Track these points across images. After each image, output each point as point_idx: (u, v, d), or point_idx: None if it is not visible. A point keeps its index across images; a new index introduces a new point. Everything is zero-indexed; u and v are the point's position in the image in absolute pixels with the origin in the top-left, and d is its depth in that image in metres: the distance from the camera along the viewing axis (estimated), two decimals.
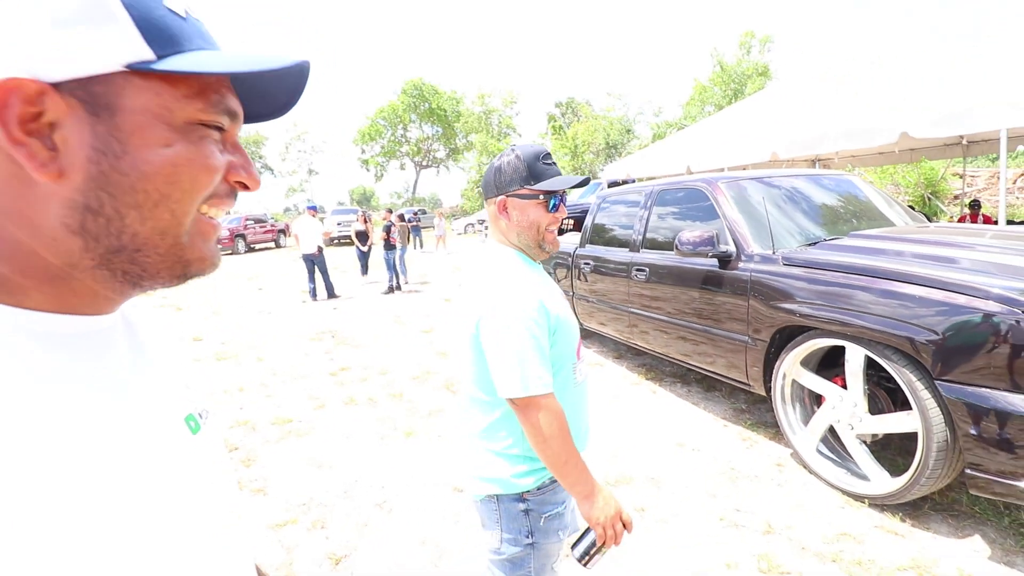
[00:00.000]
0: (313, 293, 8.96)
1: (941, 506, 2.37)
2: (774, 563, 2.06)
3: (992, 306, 1.93)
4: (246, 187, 0.47)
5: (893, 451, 2.66)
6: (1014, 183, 20.19)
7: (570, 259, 5.06)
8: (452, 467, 2.95)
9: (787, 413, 2.82)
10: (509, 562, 1.22)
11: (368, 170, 43.67)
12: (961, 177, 14.39)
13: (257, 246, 22.49)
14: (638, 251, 4.06)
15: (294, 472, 3.00)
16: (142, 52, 0.37)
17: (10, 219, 0.37)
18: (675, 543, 2.23)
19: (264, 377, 4.85)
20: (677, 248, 3.19)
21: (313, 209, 9.32)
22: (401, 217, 10.53)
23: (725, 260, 3.11)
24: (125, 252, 0.40)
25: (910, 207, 9.84)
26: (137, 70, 0.37)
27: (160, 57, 0.37)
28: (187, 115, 0.40)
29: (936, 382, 2.04)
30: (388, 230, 9.57)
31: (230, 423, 3.74)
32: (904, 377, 2.16)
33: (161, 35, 0.38)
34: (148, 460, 0.41)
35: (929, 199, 14.49)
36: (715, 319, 3.19)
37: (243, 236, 21.13)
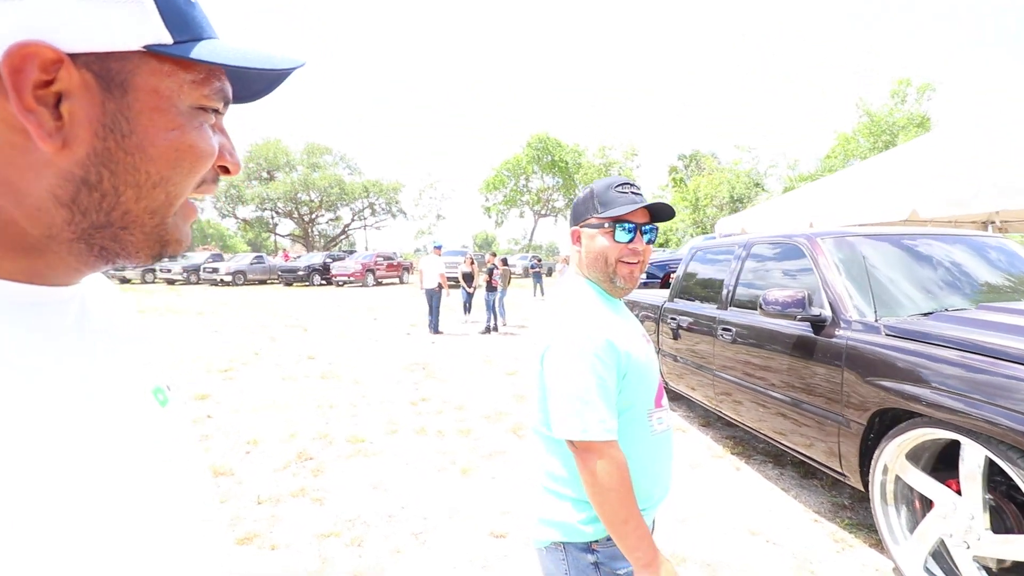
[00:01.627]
0: (434, 326, 9.49)
1: None
2: None
3: None
4: (227, 171, 0.46)
5: None
6: None
7: (658, 313, 4.83)
8: (496, 510, 2.89)
9: (887, 515, 2.33)
10: None
11: (489, 216, 46.29)
12: None
13: (384, 280, 24.77)
14: (725, 309, 3.75)
15: (352, 489, 3.16)
16: (161, 35, 0.37)
17: None
18: None
19: (355, 398, 5.24)
20: (762, 308, 2.90)
21: (439, 248, 10.09)
22: (504, 261, 10.94)
23: (819, 325, 2.75)
24: (110, 229, 0.40)
25: None
26: (154, 52, 0.37)
27: (177, 42, 0.38)
28: (193, 100, 0.40)
29: None
30: (491, 273, 9.97)
31: (313, 435, 4.08)
32: None
33: (179, 20, 0.38)
34: (117, 429, 0.41)
35: None
36: (807, 392, 2.80)
37: (373, 271, 23.44)
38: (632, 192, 1.13)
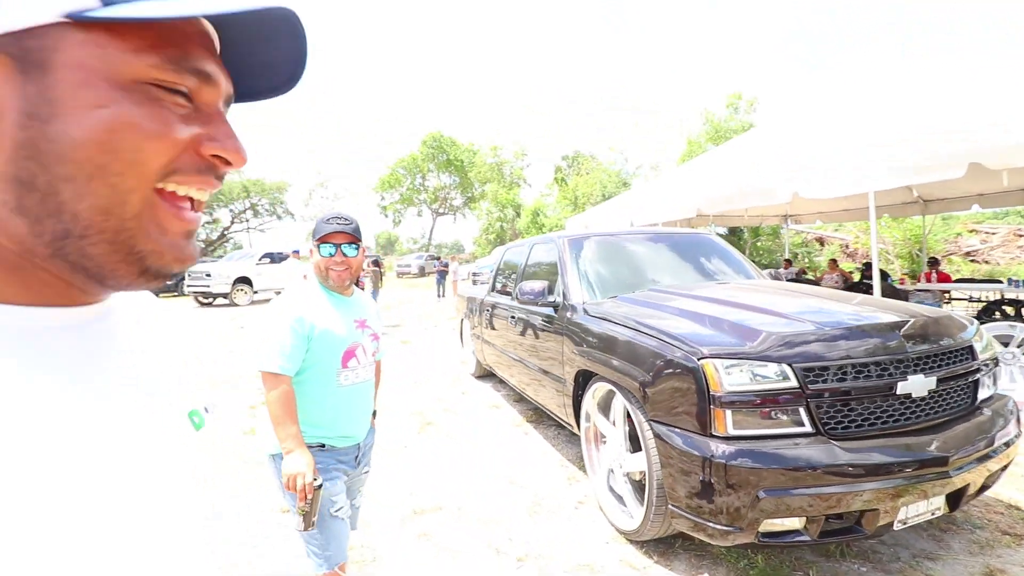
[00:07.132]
0: None
1: (692, 547, 2.50)
2: None
3: (677, 355, 2.17)
4: (227, 162, 0.40)
5: None
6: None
7: (478, 305, 5.40)
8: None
9: (589, 452, 3.02)
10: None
11: (386, 216, 45.49)
12: (975, 232, 14.63)
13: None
14: (515, 299, 4.37)
15: None
16: (84, 0, 0.32)
17: None
18: (442, 570, 2.43)
19: None
20: (517, 297, 3.51)
21: (297, 252, 9.93)
22: (376, 262, 11.06)
23: (556, 308, 3.40)
24: (72, 239, 0.35)
25: (866, 264, 9.79)
26: (77, 20, 0.32)
27: (107, 4, 0.33)
28: (135, 72, 0.34)
29: (650, 423, 2.27)
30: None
31: None
32: (636, 417, 2.39)
33: None
34: (140, 454, 0.40)
35: (916, 255, 14.42)
36: (553, 363, 3.44)
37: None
38: (337, 223, 1.63)
